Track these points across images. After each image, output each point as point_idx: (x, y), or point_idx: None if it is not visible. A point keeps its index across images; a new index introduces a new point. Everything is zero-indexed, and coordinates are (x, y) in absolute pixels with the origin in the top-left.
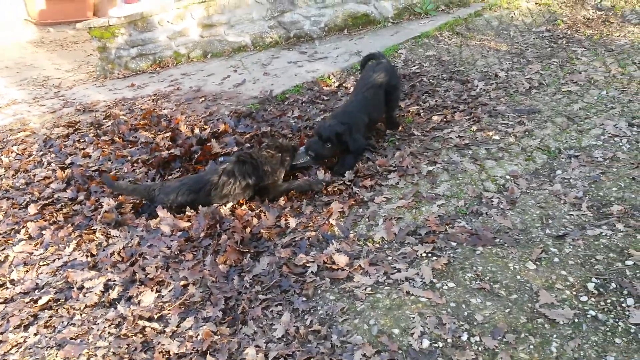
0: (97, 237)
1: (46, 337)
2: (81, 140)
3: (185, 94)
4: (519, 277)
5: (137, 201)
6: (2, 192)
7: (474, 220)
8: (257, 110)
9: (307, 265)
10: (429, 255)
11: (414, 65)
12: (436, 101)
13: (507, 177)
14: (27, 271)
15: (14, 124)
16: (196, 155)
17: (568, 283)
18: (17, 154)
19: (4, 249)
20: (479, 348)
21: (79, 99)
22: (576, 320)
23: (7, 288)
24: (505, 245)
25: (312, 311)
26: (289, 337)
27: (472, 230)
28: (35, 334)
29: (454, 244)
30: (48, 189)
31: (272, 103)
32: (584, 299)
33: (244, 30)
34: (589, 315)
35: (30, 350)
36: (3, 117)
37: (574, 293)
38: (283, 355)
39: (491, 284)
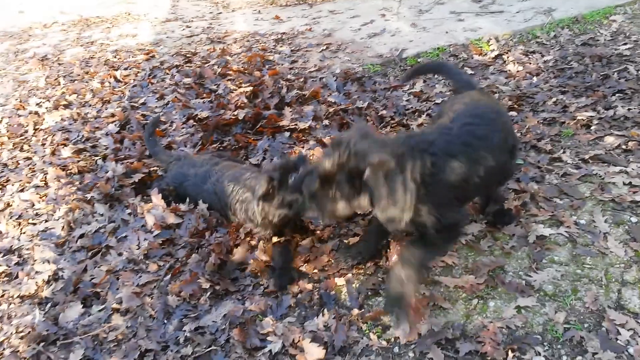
0: (84, 208)
1: None
2: (174, 77)
3: (312, 38)
4: None
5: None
6: (70, 121)
7: (564, 358)
8: (373, 74)
9: (269, 339)
10: None
11: (625, 44)
12: (629, 110)
13: None
14: (15, 226)
15: (151, 43)
16: (260, 124)
17: None
18: (118, 80)
19: (22, 190)
20: None
21: (222, 26)
22: None
23: None
24: None
25: None
26: None
27: None
28: None
29: None
30: (102, 129)
31: (396, 67)
32: None
33: None
34: None
35: None
36: (149, 34)
37: None
38: None
39: None
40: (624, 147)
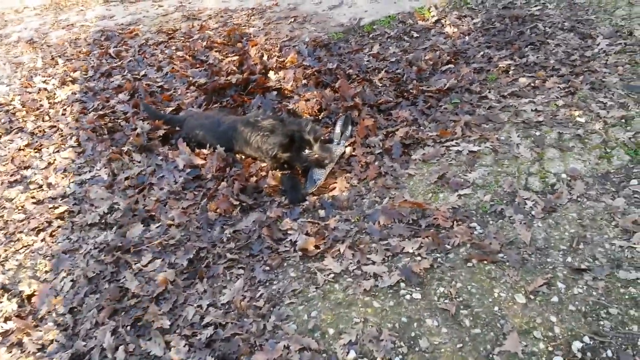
0: (122, 158)
1: (48, 245)
2: (164, 52)
3: (279, 12)
4: (497, 308)
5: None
6: (81, 94)
7: (490, 223)
8: (337, 40)
9: (289, 233)
10: (414, 254)
11: (536, 5)
12: (537, 57)
13: (564, 175)
14: (63, 177)
15: (130, 23)
16: (251, 86)
17: (550, 334)
18: (111, 56)
19: (58, 151)
20: None
21: (192, 4)
22: None
23: (42, 190)
24: (507, 264)
25: (267, 284)
26: (232, 306)
27: (481, 238)
28: (42, 240)
29: (448, 247)
30: (114, 99)
31: (356, 34)
32: None
33: None
34: None
35: (32, 255)
36: (125, 15)
37: (550, 349)
38: (216, 323)
39: (460, 307)
40: (532, 85)
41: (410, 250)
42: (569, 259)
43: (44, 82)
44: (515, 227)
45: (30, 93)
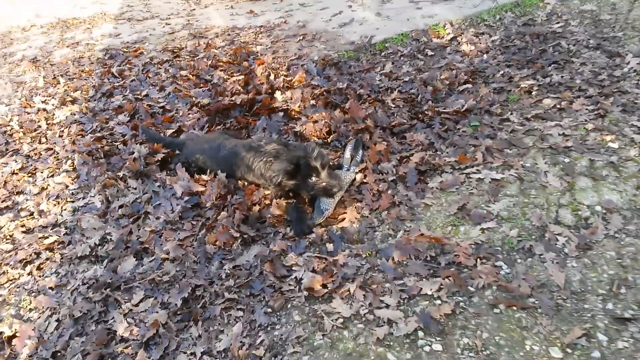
0: (118, 184)
1: (35, 279)
2: (168, 71)
3: (288, 30)
4: None
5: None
6: (80, 115)
7: (518, 261)
8: (347, 59)
9: (294, 269)
10: (434, 296)
11: (558, 22)
12: (562, 77)
13: (598, 208)
14: (55, 204)
15: (136, 41)
16: (256, 106)
17: None
18: (115, 75)
19: (52, 175)
20: None
21: (200, 22)
22: None
23: (33, 218)
24: (539, 310)
25: (269, 328)
26: (229, 354)
27: (508, 279)
28: (29, 274)
29: (472, 289)
30: (113, 120)
31: (367, 52)
32: None
33: None
34: None
35: (17, 290)
36: (131, 33)
37: None
38: None
39: None
40: (558, 106)
41: (429, 292)
42: (610, 306)
43: (44, 102)
44: (546, 267)
45: (29, 113)
